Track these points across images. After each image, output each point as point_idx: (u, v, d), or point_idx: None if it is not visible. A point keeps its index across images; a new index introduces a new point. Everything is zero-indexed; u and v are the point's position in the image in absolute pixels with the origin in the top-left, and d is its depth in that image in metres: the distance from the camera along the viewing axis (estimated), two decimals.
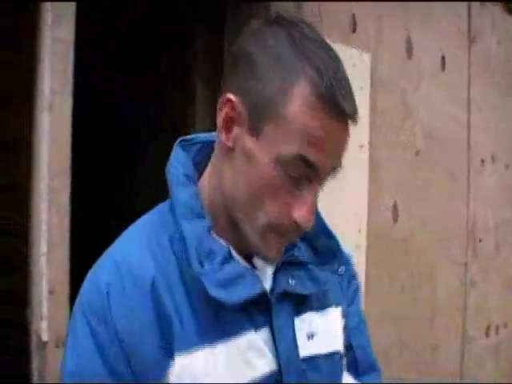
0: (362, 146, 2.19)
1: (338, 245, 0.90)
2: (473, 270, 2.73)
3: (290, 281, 0.83)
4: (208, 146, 0.87)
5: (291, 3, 2.00)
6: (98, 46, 2.70)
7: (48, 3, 1.44)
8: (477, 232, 2.76)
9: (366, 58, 2.22)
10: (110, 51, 2.86)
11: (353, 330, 0.95)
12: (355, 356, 0.94)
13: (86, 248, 2.82)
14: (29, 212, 1.52)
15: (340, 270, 0.90)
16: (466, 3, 2.69)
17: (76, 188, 1.56)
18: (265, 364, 0.80)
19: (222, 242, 0.79)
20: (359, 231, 2.19)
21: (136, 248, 0.79)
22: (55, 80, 1.44)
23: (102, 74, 2.85)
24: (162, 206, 0.86)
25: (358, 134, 1.88)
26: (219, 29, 2.15)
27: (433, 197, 2.55)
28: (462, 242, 2.69)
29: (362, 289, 2.24)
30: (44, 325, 1.42)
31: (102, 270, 0.78)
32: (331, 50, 0.75)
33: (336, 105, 0.71)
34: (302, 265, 0.86)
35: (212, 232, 0.79)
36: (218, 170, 0.80)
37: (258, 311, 0.80)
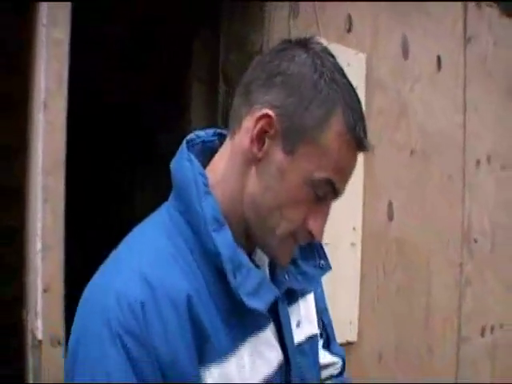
0: None
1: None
2: (468, 270, 2.73)
3: (286, 277, 0.90)
4: (207, 147, 0.89)
5: (287, 3, 2.01)
6: (97, 46, 2.70)
7: (44, 3, 1.44)
8: (472, 232, 2.76)
9: (362, 57, 2.22)
10: (110, 51, 2.86)
11: (325, 310, 1.06)
12: (327, 333, 1.07)
13: (81, 246, 2.83)
14: (23, 210, 1.53)
15: (321, 264, 0.96)
16: (461, 4, 2.69)
17: (73, 187, 1.56)
18: (276, 356, 0.86)
19: (243, 251, 0.82)
20: (354, 229, 2.19)
21: (163, 262, 0.79)
22: (50, 79, 1.44)
23: (102, 73, 2.85)
24: (171, 211, 0.85)
25: None
26: (218, 29, 2.15)
27: (428, 196, 2.56)
28: (457, 242, 2.69)
29: (357, 287, 2.24)
30: (39, 323, 1.42)
31: (126, 284, 0.76)
32: (350, 83, 0.84)
33: (360, 140, 0.82)
34: (292, 260, 0.91)
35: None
36: (238, 177, 0.83)
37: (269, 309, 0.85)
